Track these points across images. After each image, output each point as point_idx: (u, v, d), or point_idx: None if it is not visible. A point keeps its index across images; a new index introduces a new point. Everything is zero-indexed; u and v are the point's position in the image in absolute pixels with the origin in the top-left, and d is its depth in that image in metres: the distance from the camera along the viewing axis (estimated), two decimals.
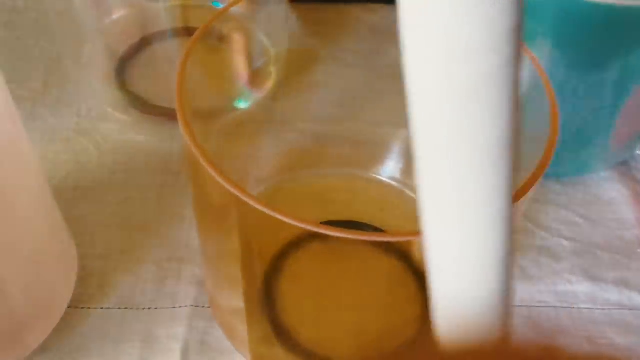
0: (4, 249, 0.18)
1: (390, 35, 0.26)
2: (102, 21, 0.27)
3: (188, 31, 0.27)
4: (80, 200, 0.25)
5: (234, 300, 0.20)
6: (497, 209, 0.10)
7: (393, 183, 0.24)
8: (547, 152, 0.15)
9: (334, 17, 0.25)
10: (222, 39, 0.29)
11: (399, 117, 0.26)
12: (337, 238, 0.21)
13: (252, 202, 0.14)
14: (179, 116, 0.16)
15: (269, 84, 0.27)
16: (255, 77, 0.27)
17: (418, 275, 0.21)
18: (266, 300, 0.21)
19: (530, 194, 0.16)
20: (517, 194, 0.15)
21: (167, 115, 0.28)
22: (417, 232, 0.16)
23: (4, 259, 0.18)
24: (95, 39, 0.27)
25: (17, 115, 0.17)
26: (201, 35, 0.18)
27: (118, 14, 0.27)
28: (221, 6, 0.29)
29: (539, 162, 0.15)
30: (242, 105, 0.28)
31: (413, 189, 0.24)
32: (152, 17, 0.27)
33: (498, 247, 0.11)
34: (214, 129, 0.28)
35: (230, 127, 0.28)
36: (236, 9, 0.28)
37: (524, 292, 0.23)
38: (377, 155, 0.25)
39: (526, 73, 0.18)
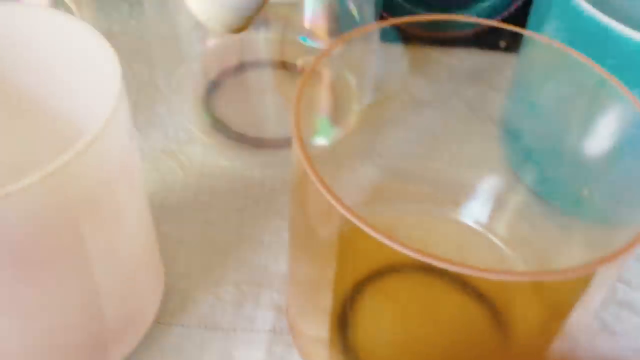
0: (107, 260, 0.18)
1: (467, 78, 0.26)
2: (200, 45, 0.28)
3: (283, 65, 0.28)
4: (165, 218, 0.26)
5: (318, 327, 0.20)
6: None
7: (475, 226, 0.24)
8: None
9: (414, 58, 0.26)
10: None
11: (479, 158, 0.26)
12: (417, 272, 0.22)
13: (362, 225, 0.15)
14: (295, 138, 0.16)
15: (351, 120, 0.27)
16: (338, 112, 0.28)
17: (493, 315, 0.21)
18: (344, 328, 0.21)
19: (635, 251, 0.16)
20: (620, 251, 0.15)
21: (251, 142, 0.28)
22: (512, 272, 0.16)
23: (106, 270, 0.18)
24: (190, 63, 0.28)
25: (133, 131, 0.18)
26: (318, 67, 0.19)
27: (217, 38, 0.28)
28: (308, 41, 0.30)
29: None
30: (323, 139, 0.28)
31: (497, 234, 0.24)
32: (250, 46, 0.28)
33: None
34: (283, 161, 0.28)
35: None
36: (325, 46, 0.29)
37: (605, 347, 0.22)
38: (457, 196, 0.25)
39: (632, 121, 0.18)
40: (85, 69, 0.18)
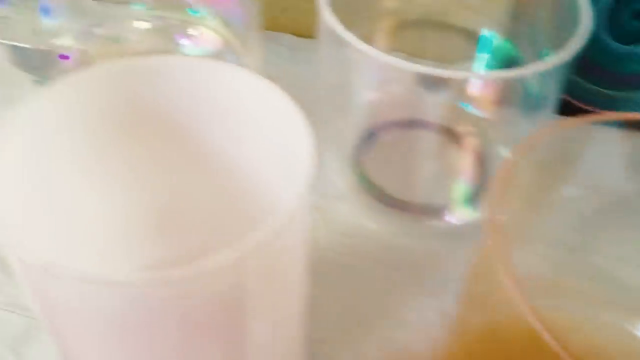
0: (262, 332, 0.18)
1: (635, 165, 0.24)
2: (362, 98, 0.27)
3: (446, 130, 0.26)
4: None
5: None
6: None
7: None
8: None
9: (577, 136, 0.24)
10: (459, 138, 0.29)
11: None
12: None
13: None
14: (489, 224, 0.15)
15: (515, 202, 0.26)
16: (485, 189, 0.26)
17: None
18: None
19: None
20: None
21: (400, 206, 0.27)
22: None
23: (258, 341, 0.18)
24: (349, 115, 0.27)
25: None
26: (524, 154, 0.17)
27: (381, 93, 0.27)
28: (470, 109, 0.29)
29: None
30: (470, 216, 0.27)
31: None
32: (417, 106, 0.27)
33: None
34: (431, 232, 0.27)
35: (452, 233, 0.27)
36: (490, 117, 0.28)
37: None
38: (631, 304, 0.23)
39: None
40: (271, 134, 0.18)
